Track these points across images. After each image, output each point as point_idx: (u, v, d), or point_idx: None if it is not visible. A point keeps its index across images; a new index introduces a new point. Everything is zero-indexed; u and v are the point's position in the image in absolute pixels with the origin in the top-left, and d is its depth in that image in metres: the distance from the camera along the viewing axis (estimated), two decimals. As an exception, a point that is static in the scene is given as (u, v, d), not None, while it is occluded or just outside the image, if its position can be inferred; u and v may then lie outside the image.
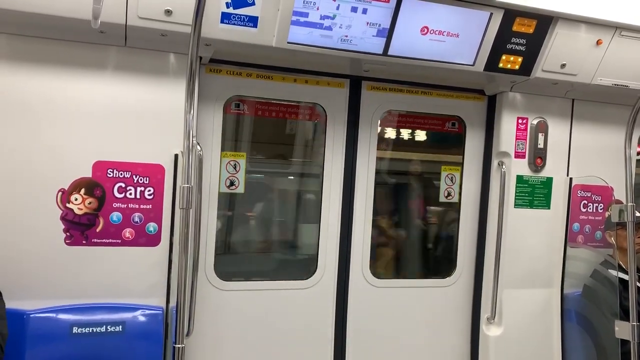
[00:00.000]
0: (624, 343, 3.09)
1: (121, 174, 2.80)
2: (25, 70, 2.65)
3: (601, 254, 3.65)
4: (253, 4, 2.68)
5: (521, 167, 3.56)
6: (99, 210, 2.78)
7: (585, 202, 3.71)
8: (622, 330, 2.98)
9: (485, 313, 3.62)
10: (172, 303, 2.85)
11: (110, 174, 2.78)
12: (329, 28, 2.81)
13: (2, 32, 2.60)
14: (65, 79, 2.70)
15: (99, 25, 2.29)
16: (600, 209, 3.75)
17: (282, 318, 3.33)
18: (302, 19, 2.75)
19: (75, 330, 2.69)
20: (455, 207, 3.73)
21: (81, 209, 2.75)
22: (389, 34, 2.88)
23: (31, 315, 2.66)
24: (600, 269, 3.59)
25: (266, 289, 3.34)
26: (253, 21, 2.72)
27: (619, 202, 3.54)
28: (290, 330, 3.35)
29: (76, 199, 2.74)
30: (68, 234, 2.73)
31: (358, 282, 3.48)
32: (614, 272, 3.42)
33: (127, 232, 2.83)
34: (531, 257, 3.60)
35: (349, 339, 3.47)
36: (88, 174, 2.75)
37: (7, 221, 2.65)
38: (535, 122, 3.56)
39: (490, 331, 3.60)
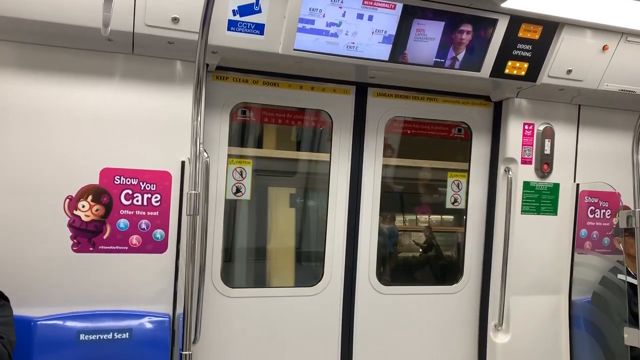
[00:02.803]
0: (633, 350, 3.07)
1: (128, 181, 2.81)
2: (33, 77, 2.66)
3: (609, 261, 3.63)
4: (259, 11, 2.69)
5: (528, 173, 3.54)
6: (106, 217, 2.78)
7: (593, 208, 3.69)
8: (632, 337, 2.95)
9: (492, 320, 3.60)
10: (179, 310, 2.85)
11: (117, 181, 2.79)
12: (335, 35, 2.82)
13: (11, 40, 2.62)
14: (73, 87, 2.72)
15: (108, 32, 2.30)
16: (608, 215, 3.73)
17: (289, 325, 3.32)
18: (308, 26, 2.76)
19: (82, 337, 2.69)
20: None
21: (88, 216, 2.76)
22: (394, 40, 2.89)
23: (38, 323, 2.66)
24: (610, 276, 3.57)
25: (273, 295, 3.33)
26: (259, 28, 2.73)
27: (626, 208, 3.52)
28: (297, 337, 3.34)
29: (83, 206, 2.75)
30: (75, 240, 2.74)
31: (365, 289, 3.47)
32: (622, 277, 3.40)
33: (134, 239, 2.83)
34: (539, 263, 3.59)
35: (356, 346, 3.46)
36: (95, 181, 2.76)
37: (14, 228, 2.66)
38: (541, 128, 3.55)
39: (497, 338, 3.57)
